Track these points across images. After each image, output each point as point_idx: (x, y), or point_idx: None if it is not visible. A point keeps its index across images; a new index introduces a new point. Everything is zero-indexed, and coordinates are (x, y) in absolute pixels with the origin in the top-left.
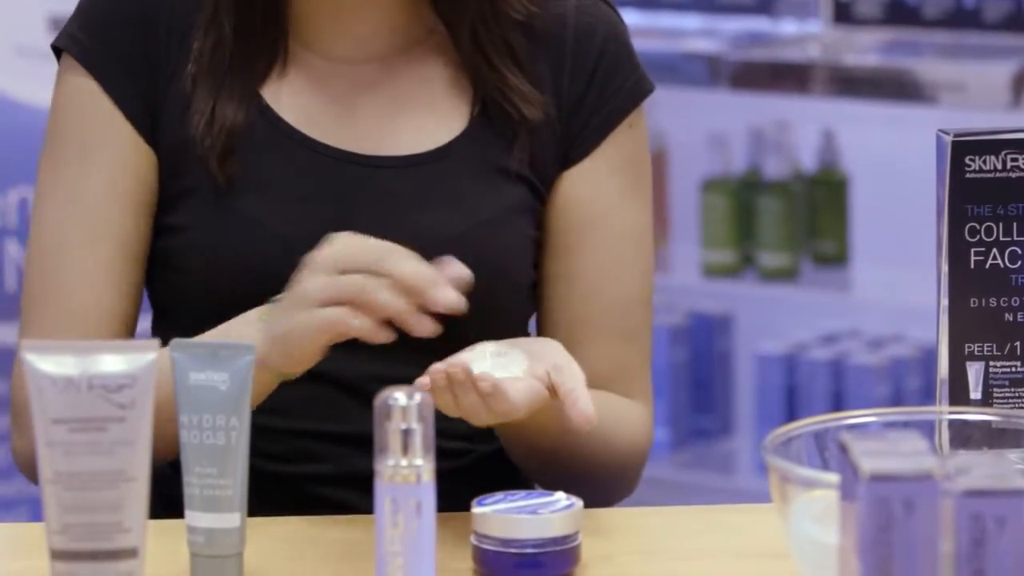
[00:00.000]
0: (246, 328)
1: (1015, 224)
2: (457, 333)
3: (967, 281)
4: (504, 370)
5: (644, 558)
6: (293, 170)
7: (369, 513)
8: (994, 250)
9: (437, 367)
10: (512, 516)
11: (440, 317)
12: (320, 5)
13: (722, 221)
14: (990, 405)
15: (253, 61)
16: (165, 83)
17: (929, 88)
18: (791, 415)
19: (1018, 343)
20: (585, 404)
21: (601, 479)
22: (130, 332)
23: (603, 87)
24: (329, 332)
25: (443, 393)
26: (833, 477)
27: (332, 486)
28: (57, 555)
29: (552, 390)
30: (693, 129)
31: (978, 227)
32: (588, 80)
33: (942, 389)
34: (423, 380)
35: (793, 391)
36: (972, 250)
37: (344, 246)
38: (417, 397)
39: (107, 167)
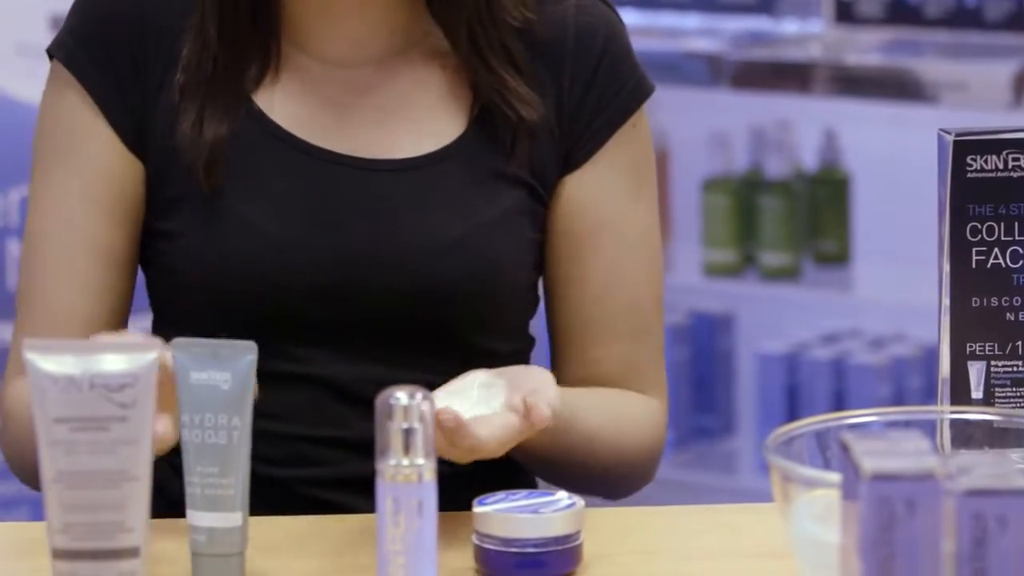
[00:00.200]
0: None
1: (1016, 223)
2: (457, 337)
3: (968, 281)
4: (486, 404)
5: (645, 558)
6: (288, 174)
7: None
8: (995, 250)
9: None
10: (513, 515)
11: (441, 320)
12: (312, 5)
13: (723, 220)
14: (991, 405)
15: (241, 66)
16: (154, 91)
17: (930, 87)
18: (792, 414)
19: (1019, 343)
20: (539, 412)
21: (612, 477)
22: None
23: (604, 89)
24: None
25: None
26: (834, 476)
27: (330, 489)
28: (59, 554)
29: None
30: (694, 128)
31: (979, 227)
32: (589, 82)
33: (943, 389)
34: None
35: (794, 390)
36: (973, 249)
37: None
38: (419, 396)
39: (87, 173)
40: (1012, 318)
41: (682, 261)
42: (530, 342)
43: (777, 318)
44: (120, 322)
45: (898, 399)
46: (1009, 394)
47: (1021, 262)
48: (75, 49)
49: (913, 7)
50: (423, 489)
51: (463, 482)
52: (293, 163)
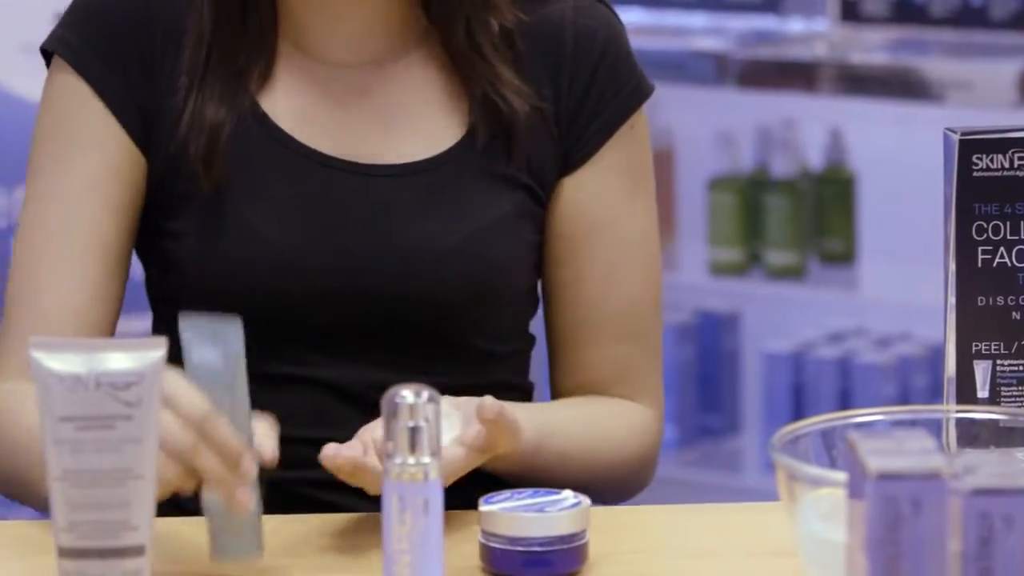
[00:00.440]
0: None
1: (1022, 222)
2: (457, 340)
3: (974, 279)
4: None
5: (651, 556)
6: (290, 179)
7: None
8: (1001, 248)
9: (334, 453)
10: (519, 514)
11: (441, 324)
12: (309, 4)
13: (729, 219)
14: (997, 404)
15: (237, 59)
16: (162, 88)
17: (936, 86)
18: (798, 413)
19: None
20: (488, 407)
21: (597, 490)
22: (104, 334)
23: (603, 91)
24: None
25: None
26: (840, 475)
27: (331, 491)
28: (64, 553)
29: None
30: (700, 127)
31: (985, 225)
32: (588, 84)
33: (949, 388)
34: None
35: (800, 389)
36: (979, 248)
37: (172, 390)
38: (425, 395)
39: (91, 169)
40: (1018, 317)
41: (688, 260)
42: (531, 341)
43: (783, 317)
44: (113, 317)
45: (904, 398)
46: (1015, 393)
47: None
48: (79, 45)
49: (919, 6)
50: (429, 488)
51: (469, 481)
52: (295, 167)
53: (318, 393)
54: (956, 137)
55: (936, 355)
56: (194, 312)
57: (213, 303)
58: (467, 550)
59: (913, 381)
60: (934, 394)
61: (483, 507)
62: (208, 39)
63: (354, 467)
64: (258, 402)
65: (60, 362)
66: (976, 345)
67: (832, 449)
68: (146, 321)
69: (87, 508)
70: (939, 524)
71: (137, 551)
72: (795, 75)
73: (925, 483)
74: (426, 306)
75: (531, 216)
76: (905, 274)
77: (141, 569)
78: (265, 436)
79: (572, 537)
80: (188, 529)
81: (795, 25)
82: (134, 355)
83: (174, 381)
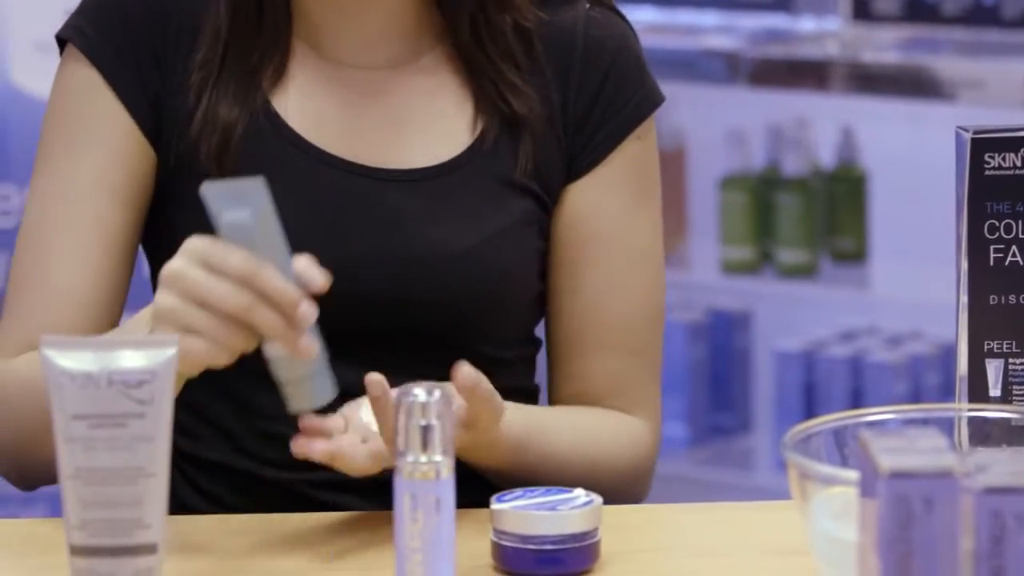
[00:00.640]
0: (141, 329)
1: None
2: (463, 345)
3: (986, 278)
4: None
5: (663, 555)
6: (300, 181)
7: None
8: (1013, 247)
9: (306, 451)
10: (531, 512)
11: (447, 330)
12: (323, 3)
13: (741, 218)
14: (1009, 402)
15: (253, 60)
16: (174, 84)
17: (948, 85)
18: (809, 412)
19: None
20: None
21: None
22: (108, 325)
23: (610, 102)
24: (194, 363)
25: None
26: (852, 474)
27: (333, 491)
28: (77, 551)
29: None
30: (711, 126)
31: (997, 224)
32: (596, 94)
33: (961, 386)
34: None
35: (811, 388)
36: (991, 247)
37: (208, 248)
38: (437, 394)
39: (100, 158)
40: None
41: (699, 259)
42: (537, 345)
43: (794, 316)
44: (118, 306)
45: (915, 397)
46: None
47: None
48: (93, 35)
49: (930, 5)
50: (441, 486)
51: (481, 479)
52: (305, 169)
53: None
54: (968, 136)
55: (948, 354)
56: (213, 184)
57: None
58: (479, 548)
59: (925, 380)
60: (946, 393)
61: (495, 505)
62: (224, 37)
63: (330, 457)
64: (261, 402)
65: (72, 360)
66: (988, 344)
67: (844, 448)
68: None
69: (99, 506)
70: (951, 523)
71: (149, 549)
72: (807, 74)
73: (937, 482)
74: (432, 312)
75: (537, 223)
76: (917, 273)
77: (153, 567)
78: (308, 267)
79: (584, 535)
80: (199, 527)
81: (807, 24)
82: (146, 353)
83: (212, 245)
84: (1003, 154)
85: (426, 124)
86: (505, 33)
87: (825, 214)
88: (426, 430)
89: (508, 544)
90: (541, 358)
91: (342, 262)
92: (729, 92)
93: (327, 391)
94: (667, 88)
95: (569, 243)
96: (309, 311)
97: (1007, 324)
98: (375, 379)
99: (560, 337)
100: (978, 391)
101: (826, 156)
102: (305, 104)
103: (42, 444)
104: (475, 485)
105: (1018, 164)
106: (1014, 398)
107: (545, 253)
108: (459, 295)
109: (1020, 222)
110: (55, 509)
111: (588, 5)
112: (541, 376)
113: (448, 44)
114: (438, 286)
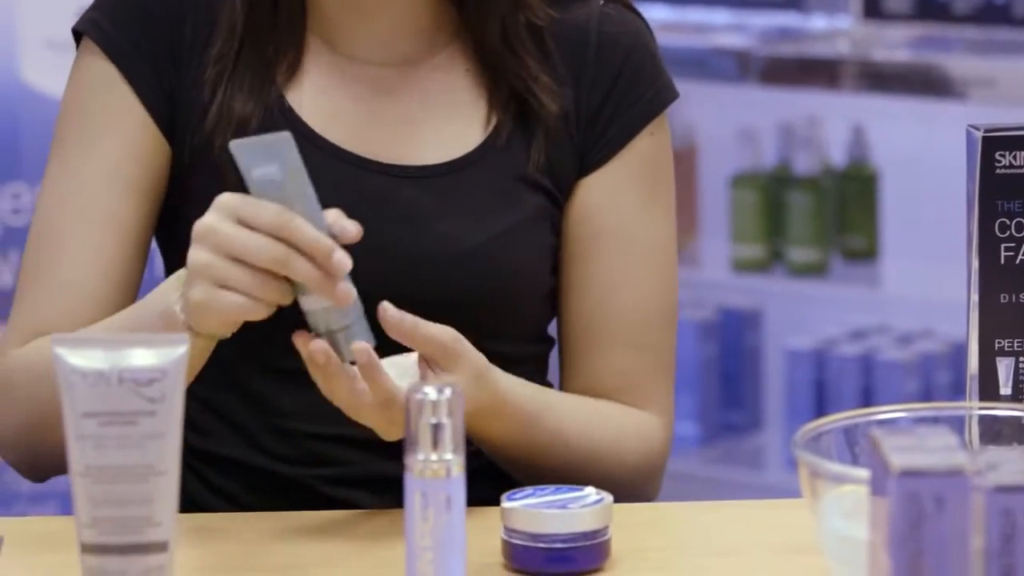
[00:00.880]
0: (170, 294)
1: None
2: (474, 342)
3: (997, 276)
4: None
5: (673, 553)
6: (311, 174)
7: None
8: None
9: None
10: (541, 511)
11: (458, 326)
12: (340, 1)
13: (752, 216)
14: (1020, 401)
15: (268, 55)
16: (189, 79)
17: (959, 84)
18: (820, 410)
19: None
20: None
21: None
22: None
23: (623, 97)
24: (230, 319)
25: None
26: (863, 473)
27: (345, 487)
28: (87, 549)
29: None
30: (723, 124)
31: (1008, 222)
32: (609, 90)
33: (972, 385)
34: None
35: (822, 386)
36: (1002, 245)
37: (240, 202)
38: (447, 391)
39: (115, 152)
40: None
41: (710, 257)
42: (549, 344)
43: (805, 314)
44: (129, 300)
45: (926, 395)
46: None
47: None
48: (109, 29)
49: (941, 3)
50: (451, 484)
51: (492, 477)
52: (318, 164)
53: None
54: (979, 134)
55: (959, 352)
56: (242, 141)
57: None
58: (489, 546)
59: (935, 378)
60: (956, 391)
61: (505, 503)
62: (240, 32)
63: (325, 358)
64: (275, 397)
65: (83, 358)
66: (999, 342)
67: (854, 446)
68: None
69: (110, 504)
70: (962, 521)
71: (160, 547)
72: (818, 72)
73: (948, 480)
74: (443, 308)
75: (550, 218)
76: (927, 271)
77: (164, 565)
78: (339, 218)
79: (594, 534)
80: (210, 525)
81: (818, 22)
82: (157, 351)
83: (243, 200)
84: (1014, 152)
85: (439, 121)
86: (525, 31)
87: (836, 212)
88: (437, 428)
89: (518, 542)
90: (553, 358)
91: (354, 258)
92: (740, 90)
93: (365, 341)
94: (678, 86)
95: (579, 238)
96: (344, 259)
97: (1018, 322)
98: (319, 347)
99: (570, 332)
100: (989, 389)
101: (837, 154)
102: (319, 100)
103: (53, 430)
104: (486, 483)
105: None
106: None
107: (557, 249)
108: (470, 291)
109: None
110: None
111: (602, 2)
112: (554, 377)
113: (461, 41)
114: (450, 283)
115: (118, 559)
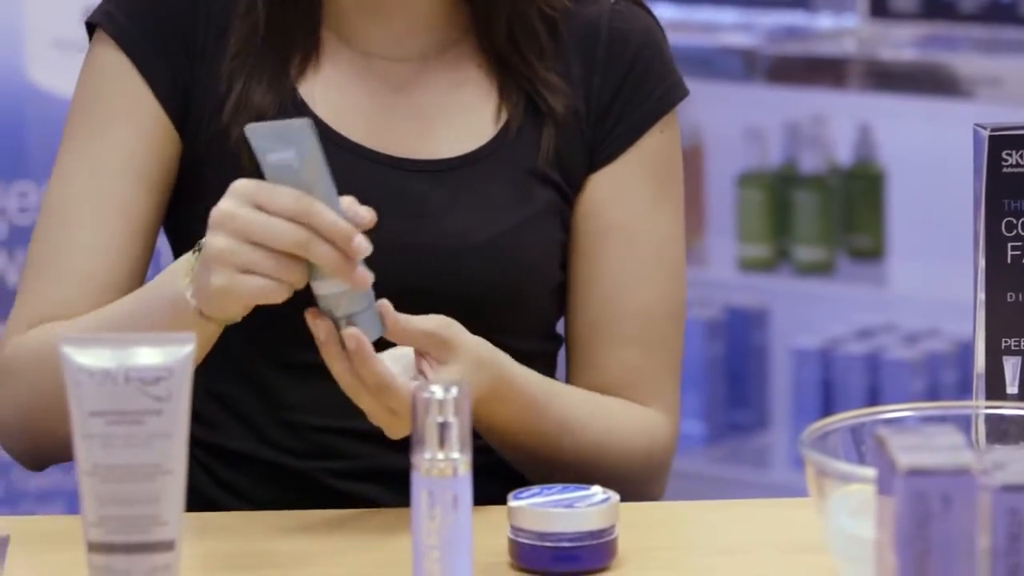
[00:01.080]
0: (180, 279)
1: None
2: (484, 336)
3: (1004, 275)
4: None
5: (679, 552)
6: None
7: (391, 507)
8: None
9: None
10: (548, 510)
11: (467, 321)
12: None
13: (758, 215)
14: None
15: (285, 49)
16: (203, 72)
17: (965, 83)
18: (827, 409)
19: None
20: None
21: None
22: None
23: (632, 94)
24: (250, 303)
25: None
26: (870, 472)
27: (353, 480)
28: (94, 547)
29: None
30: (729, 123)
31: (1015, 221)
32: (618, 86)
33: (978, 383)
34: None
35: (829, 385)
36: (1009, 244)
37: (256, 188)
38: (454, 390)
39: (127, 143)
40: None
41: (716, 256)
42: (557, 342)
43: (811, 313)
44: (135, 290)
45: (933, 394)
46: None
47: None
48: (123, 21)
49: (948, 2)
50: (458, 483)
51: (498, 474)
52: (331, 159)
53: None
54: (985, 133)
55: (965, 351)
56: (258, 125)
57: None
58: (496, 545)
59: (942, 377)
60: (963, 390)
61: (512, 502)
62: (260, 26)
63: (326, 333)
64: (282, 391)
65: (90, 357)
66: (1005, 341)
67: (861, 445)
68: None
69: (116, 503)
70: (968, 520)
71: (167, 546)
72: (824, 71)
73: (954, 479)
74: (454, 302)
75: (560, 214)
76: (934, 270)
77: (170, 564)
78: (353, 203)
79: (601, 533)
80: (217, 524)
81: (824, 21)
82: (163, 350)
83: (259, 185)
84: (1021, 151)
85: (452, 116)
86: (535, 27)
87: (842, 211)
88: (443, 427)
89: (525, 541)
90: (561, 357)
91: None
92: (747, 89)
93: (376, 329)
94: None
95: (587, 233)
96: (364, 242)
97: None
98: (324, 324)
99: (577, 328)
100: (995, 388)
101: (843, 153)
102: (332, 94)
103: (54, 417)
104: (492, 481)
105: None
106: None
107: (566, 244)
108: (481, 285)
109: None
110: (72, 506)
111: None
112: (561, 377)
113: (473, 36)
114: (461, 276)
115: (125, 558)
